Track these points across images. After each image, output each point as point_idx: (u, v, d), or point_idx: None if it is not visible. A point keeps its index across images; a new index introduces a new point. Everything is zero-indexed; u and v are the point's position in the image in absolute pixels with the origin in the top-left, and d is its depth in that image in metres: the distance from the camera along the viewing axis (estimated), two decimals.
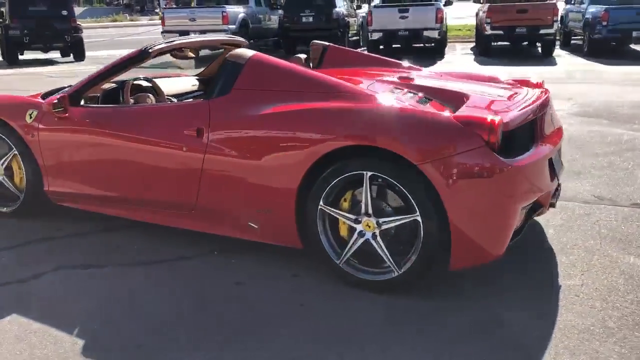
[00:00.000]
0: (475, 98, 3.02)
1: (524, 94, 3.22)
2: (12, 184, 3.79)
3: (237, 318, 2.60)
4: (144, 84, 3.89)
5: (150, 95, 3.79)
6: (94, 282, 2.98)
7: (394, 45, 14.69)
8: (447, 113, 2.71)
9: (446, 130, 2.60)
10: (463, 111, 2.78)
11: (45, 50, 15.62)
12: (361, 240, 2.80)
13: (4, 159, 3.79)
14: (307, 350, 2.36)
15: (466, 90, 3.17)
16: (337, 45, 4.17)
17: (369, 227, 2.76)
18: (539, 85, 3.57)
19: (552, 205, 3.09)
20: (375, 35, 14.24)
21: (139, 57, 3.51)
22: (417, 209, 2.62)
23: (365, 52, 4.18)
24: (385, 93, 3.01)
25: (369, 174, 2.69)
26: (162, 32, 15.48)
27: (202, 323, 2.57)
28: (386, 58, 4.05)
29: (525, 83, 3.64)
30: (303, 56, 4.11)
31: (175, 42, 3.75)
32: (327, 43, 4.15)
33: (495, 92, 3.26)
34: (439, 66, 12.37)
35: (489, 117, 2.56)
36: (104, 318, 2.62)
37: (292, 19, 15.54)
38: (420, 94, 3.08)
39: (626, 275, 2.97)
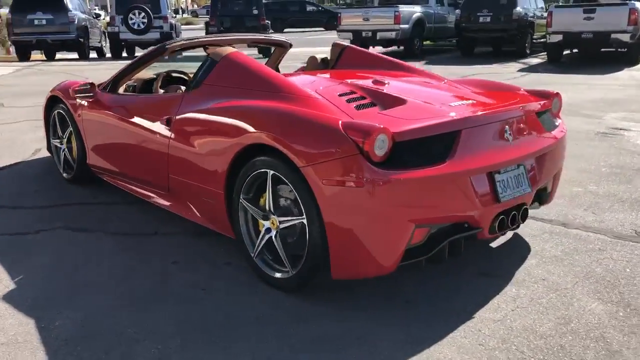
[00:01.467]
0: (407, 106, 2.85)
1: (480, 105, 2.95)
2: (70, 156, 4.54)
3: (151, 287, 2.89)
4: (178, 75, 4.33)
5: (181, 86, 4.20)
6: (76, 242, 3.47)
7: (574, 50, 13.41)
8: (341, 119, 2.61)
9: (327, 135, 2.53)
10: (358, 119, 2.66)
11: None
12: (267, 237, 2.86)
13: (65, 133, 4.55)
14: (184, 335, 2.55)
15: (418, 98, 2.99)
16: (356, 47, 4.14)
17: (273, 224, 2.82)
18: (544, 96, 3.24)
19: (507, 228, 2.81)
20: (555, 38, 13.13)
21: (158, 52, 3.94)
22: (303, 211, 2.62)
23: (384, 55, 4.05)
24: (325, 96, 2.98)
25: (271, 172, 2.74)
26: (337, 31, 16.20)
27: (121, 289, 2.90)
28: (402, 63, 3.91)
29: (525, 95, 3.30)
30: (319, 56, 4.18)
31: (196, 40, 4.11)
32: (345, 44, 4.16)
33: (449, 101, 3.00)
34: (624, 74, 11.02)
35: (370, 126, 2.44)
36: (53, 274, 3.08)
37: (468, 18, 15.05)
38: (368, 100, 2.99)
39: (561, 321, 2.57)
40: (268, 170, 2.74)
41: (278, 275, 2.82)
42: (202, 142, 3.15)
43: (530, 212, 3.72)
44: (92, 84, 4.06)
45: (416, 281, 2.94)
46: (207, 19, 17.13)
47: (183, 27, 21.74)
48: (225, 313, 2.65)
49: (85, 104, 4.18)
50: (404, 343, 2.42)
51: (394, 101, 2.93)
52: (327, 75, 3.53)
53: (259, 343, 2.42)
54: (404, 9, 15.08)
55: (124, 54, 16.78)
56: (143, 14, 15.77)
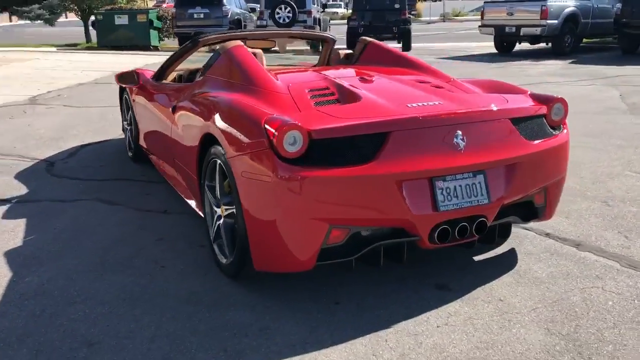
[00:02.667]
0: (358, 104, 2.77)
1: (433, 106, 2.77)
2: (131, 136, 5.04)
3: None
4: None
5: None
6: (95, 213, 3.89)
7: None
8: (269, 113, 2.62)
9: (251, 129, 2.57)
10: (309, 114, 2.65)
11: (379, 40, 17.42)
12: (217, 223, 2.99)
13: (128, 115, 5.06)
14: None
15: (383, 96, 2.89)
16: (378, 43, 4.04)
17: (222, 212, 2.94)
18: (543, 101, 2.97)
19: (455, 240, 2.64)
20: None
21: (192, 45, 4.22)
22: (234, 201, 2.70)
23: (402, 53, 3.90)
24: (294, 91, 3.00)
25: (219, 162, 2.85)
26: (479, 27, 15.52)
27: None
28: (418, 61, 3.74)
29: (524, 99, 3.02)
30: (343, 52, 4.17)
31: (230, 33, 4.31)
32: (369, 39, 4.09)
33: (415, 101, 2.84)
34: None
35: (281, 122, 2.43)
36: (56, 237, 3.51)
37: (630, 13, 13.52)
38: (335, 96, 2.97)
39: (481, 345, 2.37)
40: (217, 160, 2.87)
41: (223, 260, 2.94)
42: (184, 129, 3.38)
43: (547, 228, 3.43)
44: (135, 72, 4.48)
45: (357, 284, 2.87)
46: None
47: (336, 22, 22.38)
48: (162, 289, 2.84)
49: (135, 90, 4.63)
50: (303, 342, 2.40)
51: (353, 98, 2.88)
52: (320, 72, 3.53)
53: (170, 320, 2.56)
54: (552, 3, 13.97)
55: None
56: (289, 8, 16.51)
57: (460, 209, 2.62)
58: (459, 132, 2.63)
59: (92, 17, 19.65)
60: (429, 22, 37.86)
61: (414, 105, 2.77)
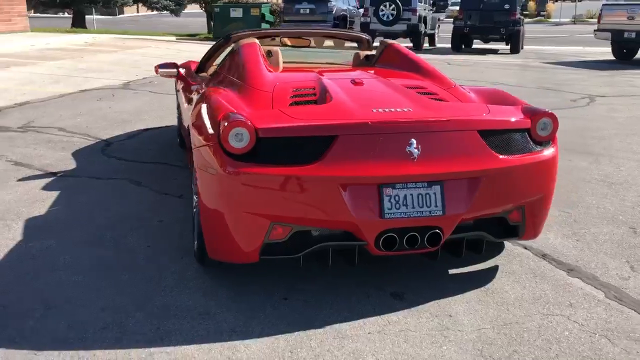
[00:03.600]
0: (327, 106, 2.81)
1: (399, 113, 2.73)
2: (177, 123, 5.38)
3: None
4: None
5: None
6: (118, 191, 4.21)
7: None
8: (231, 110, 2.72)
9: (211, 123, 2.69)
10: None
11: (485, 41, 16.85)
12: (194, 210, 3.16)
13: (177, 103, 5.41)
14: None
15: (357, 100, 2.89)
16: (397, 46, 3.97)
17: (194, 200, 3.10)
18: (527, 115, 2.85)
19: (403, 249, 2.62)
20: None
21: (224, 42, 4.42)
22: (194, 191, 2.85)
23: (415, 57, 3.79)
24: (278, 90, 3.08)
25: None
26: (594, 31, 14.47)
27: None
28: (427, 66, 3.64)
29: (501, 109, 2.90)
30: (364, 52, 4.17)
31: (261, 31, 4.45)
32: (389, 41, 4.05)
33: (387, 107, 2.81)
34: None
35: (231, 118, 2.52)
36: (75, 210, 3.87)
37: None
38: (315, 97, 3.01)
39: (399, 357, 2.34)
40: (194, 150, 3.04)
41: (194, 246, 3.11)
42: (188, 121, 3.58)
43: (546, 249, 3.28)
44: (174, 64, 4.77)
45: (315, 282, 2.90)
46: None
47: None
48: (136, 267, 3.05)
49: (178, 81, 4.94)
50: (231, 330, 2.51)
51: (327, 100, 2.91)
52: (322, 72, 3.56)
53: (126, 295, 2.77)
54: None
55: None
56: (393, 5, 16.41)
57: (409, 218, 2.58)
58: (414, 141, 2.58)
59: (203, 9, 20.75)
60: (556, 24, 35.84)
61: (379, 110, 2.75)
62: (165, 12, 23.69)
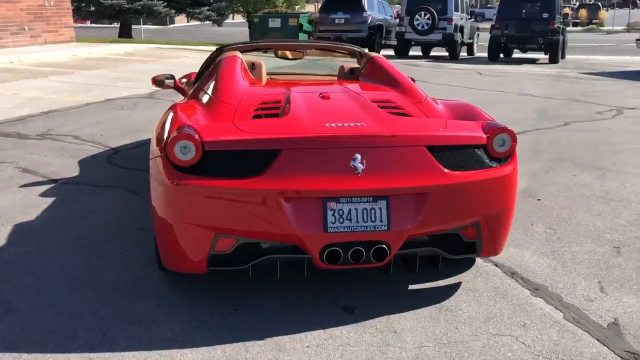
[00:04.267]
0: (282, 119, 2.85)
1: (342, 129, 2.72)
2: None
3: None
4: None
5: None
6: (111, 198, 4.36)
7: None
8: (186, 122, 2.79)
9: (163, 135, 2.77)
10: (199, 125, 2.79)
11: (523, 51, 16.50)
12: None
13: None
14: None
15: (315, 114, 2.92)
16: (378, 60, 3.94)
17: None
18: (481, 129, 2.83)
19: (348, 263, 2.61)
20: None
21: (216, 54, 4.50)
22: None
23: (394, 71, 3.75)
24: (243, 103, 3.13)
25: None
26: (636, 40, 13.97)
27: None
28: (403, 80, 3.61)
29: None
30: (348, 66, 4.17)
31: (252, 44, 4.52)
32: (373, 54, 4.04)
33: (343, 121, 2.82)
34: None
35: (181, 131, 2.58)
36: (64, 217, 4.02)
37: None
38: (277, 111, 3.05)
39: None
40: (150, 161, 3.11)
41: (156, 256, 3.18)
42: None
43: (516, 267, 3.24)
44: (171, 76, 4.89)
45: (269, 294, 2.93)
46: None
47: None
48: (102, 274, 3.15)
49: (175, 90, 5.07)
50: (173, 339, 2.55)
51: (286, 114, 2.94)
52: (293, 85, 3.60)
53: (84, 300, 2.86)
54: None
55: (411, 53, 17.71)
56: (428, 15, 16.30)
57: (353, 232, 2.58)
58: (358, 156, 2.58)
59: (245, 19, 21.13)
60: (609, 32, 34.78)
61: (331, 124, 2.77)
62: (207, 22, 24.23)
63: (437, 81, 11.40)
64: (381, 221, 2.60)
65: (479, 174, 2.72)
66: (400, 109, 3.14)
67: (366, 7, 17.18)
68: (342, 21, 17.18)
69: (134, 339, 2.56)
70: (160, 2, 21.42)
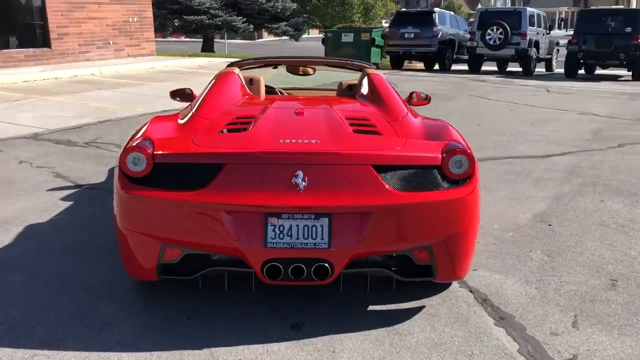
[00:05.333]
0: (244, 134, 2.91)
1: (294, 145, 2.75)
2: None
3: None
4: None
5: None
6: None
7: None
8: (149, 136, 2.89)
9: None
10: (160, 137, 2.88)
11: (603, 67, 15.64)
12: None
13: None
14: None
15: (281, 129, 2.96)
16: (373, 76, 3.88)
17: None
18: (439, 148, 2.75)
19: (289, 279, 2.63)
20: None
21: (225, 68, 4.64)
22: None
23: (386, 88, 3.69)
24: (218, 119, 3.21)
25: None
26: None
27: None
28: (387, 100, 3.55)
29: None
30: (347, 82, 4.16)
31: (259, 60, 4.61)
32: (369, 71, 4.01)
33: (305, 138, 2.84)
34: None
35: (134, 144, 2.69)
36: (63, 221, 4.27)
37: None
38: (247, 126, 3.10)
39: None
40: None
41: None
42: None
43: (491, 295, 3.14)
44: (190, 89, 5.06)
45: (223, 305, 2.97)
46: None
47: None
48: (82, 276, 3.32)
49: None
50: (117, 342, 2.66)
51: (250, 129, 3.00)
52: (275, 101, 3.65)
53: (54, 302, 3.03)
54: None
55: (486, 68, 17.26)
56: (500, 29, 15.84)
57: (292, 248, 2.59)
58: (300, 172, 2.59)
59: (323, 35, 21.42)
60: None
61: (285, 140, 2.79)
62: (284, 37, 24.83)
63: (496, 97, 11.05)
64: (322, 239, 2.59)
65: (430, 195, 2.65)
66: (372, 127, 3.11)
67: (437, 21, 16.96)
68: (412, 35, 17.04)
69: (81, 339, 2.68)
70: (240, 17, 22.21)
